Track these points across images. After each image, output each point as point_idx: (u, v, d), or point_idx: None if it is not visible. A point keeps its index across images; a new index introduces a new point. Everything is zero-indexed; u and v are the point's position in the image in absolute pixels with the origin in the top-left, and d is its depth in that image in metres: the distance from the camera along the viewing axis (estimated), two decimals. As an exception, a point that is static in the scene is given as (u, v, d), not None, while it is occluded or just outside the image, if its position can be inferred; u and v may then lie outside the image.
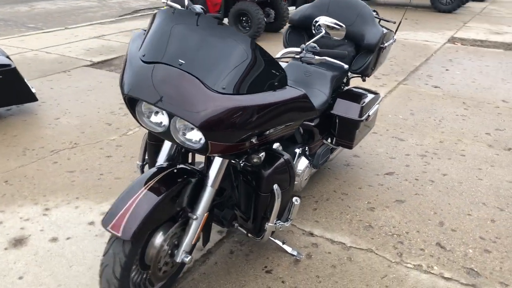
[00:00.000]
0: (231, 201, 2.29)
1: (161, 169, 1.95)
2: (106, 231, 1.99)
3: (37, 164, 3.39)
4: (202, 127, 1.67)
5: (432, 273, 2.39)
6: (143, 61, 1.80)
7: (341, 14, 3.02)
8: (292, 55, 1.97)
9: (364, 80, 3.10)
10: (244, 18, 7.45)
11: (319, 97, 2.66)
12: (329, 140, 3.07)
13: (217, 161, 1.99)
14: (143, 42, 1.88)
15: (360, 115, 2.83)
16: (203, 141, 1.76)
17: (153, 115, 1.86)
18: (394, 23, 3.33)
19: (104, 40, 7.34)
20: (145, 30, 2.05)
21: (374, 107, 3.05)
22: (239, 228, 2.33)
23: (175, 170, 1.95)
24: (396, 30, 3.33)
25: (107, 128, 4.03)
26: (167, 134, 1.83)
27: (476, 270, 2.42)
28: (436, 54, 6.94)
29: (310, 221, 2.78)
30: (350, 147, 3.06)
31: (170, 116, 1.78)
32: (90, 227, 2.70)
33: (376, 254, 2.53)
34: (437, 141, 3.94)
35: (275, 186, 2.08)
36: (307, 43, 2.02)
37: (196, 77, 1.69)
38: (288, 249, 2.50)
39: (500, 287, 2.31)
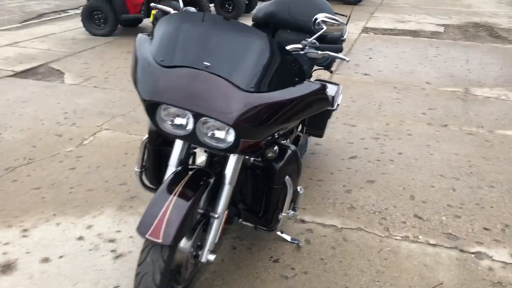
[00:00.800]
0: (233, 197, 2.34)
1: (181, 173, 1.95)
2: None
3: (-5, 184, 3.15)
4: (235, 126, 1.71)
5: (420, 242, 2.64)
6: (162, 65, 1.79)
7: (303, 11, 3.16)
8: (297, 51, 2.06)
9: (331, 72, 3.28)
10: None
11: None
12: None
13: (233, 160, 2.03)
14: (156, 46, 1.86)
15: (333, 105, 3.01)
16: (232, 140, 1.79)
17: (176, 119, 1.85)
18: (346, 16, 3.54)
19: (19, 47, 6.84)
20: (149, 35, 2.03)
21: (340, 97, 3.24)
22: (244, 223, 2.39)
23: (195, 173, 1.96)
24: (347, 23, 3.55)
25: (59, 140, 3.83)
26: (191, 136, 1.84)
27: (454, 234, 2.71)
28: (356, 44, 7.40)
29: (297, 209, 2.91)
30: (321, 136, 3.23)
31: (196, 118, 1.79)
32: (80, 242, 2.59)
33: (366, 231, 2.72)
34: (383, 124, 4.26)
35: (287, 178, 2.17)
36: (309, 40, 2.12)
37: (224, 78, 1.72)
38: (287, 237, 2.61)
39: (477, 246, 2.61)
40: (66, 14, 10.38)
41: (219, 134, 1.82)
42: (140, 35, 2.05)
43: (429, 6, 11.34)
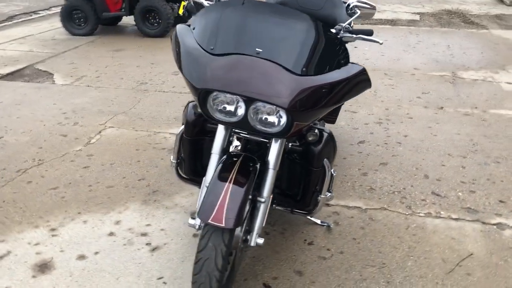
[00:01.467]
0: None
1: (229, 160, 1.97)
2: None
3: (9, 187, 3.08)
4: (289, 109, 1.76)
5: (442, 217, 2.75)
6: (213, 54, 1.82)
7: (311, 0, 3.21)
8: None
9: None
10: (152, 15, 7.29)
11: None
12: None
13: (276, 145, 2.06)
14: (203, 35, 1.88)
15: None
16: (283, 124, 1.83)
17: (227, 106, 1.88)
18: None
19: (-1, 50, 6.65)
20: (189, 25, 2.05)
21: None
22: (278, 208, 2.43)
23: (243, 159, 1.99)
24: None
25: (65, 140, 3.77)
26: (242, 123, 1.87)
27: (473, 208, 2.84)
28: (338, 34, 7.51)
29: (320, 194, 2.98)
30: (334, 122, 3.31)
31: (248, 104, 1.82)
32: (113, 237, 2.58)
33: (390, 210, 2.81)
34: (383, 109, 4.38)
35: (325, 160, 2.23)
36: (343, 24, 2.18)
37: (276, 63, 1.76)
38: (317, 221, 2.67)
39: (497, 217, 2.74)
40: (38, 15, 10.10)
41: (271, 118, 1.85)
42: (180, 25, 2.07)
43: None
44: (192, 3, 2.33)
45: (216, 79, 1.78)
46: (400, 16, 9.02)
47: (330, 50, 1.88)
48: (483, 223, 2.69)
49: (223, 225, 1.76)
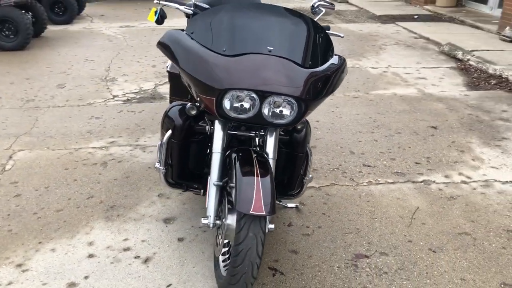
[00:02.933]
0: None
1: (242, 155, 2.07)
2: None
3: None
4: (304, 100, 1.95)
5: (382, 183, 3.20)
6: (226, 55, 1.90)
7: None
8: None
9: None
10: (6, 26, 6.58)
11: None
12: None
13: (272, 136, 2.22)
14: (210, 38, 1.94)
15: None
16: (295, 114, 2.00)
17: (243, 103, 1.97)
18: None
19: None
20: (183, 30, 2.08)
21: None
22: None
23: (253, 153, 2.12)
24: None
25: (-28, 171, 3.33)
26: (256, 118, 1.99)
27: (400, 171, 3.35)
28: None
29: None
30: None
31: (262, 99, 1.95)
32: (95, 259, 2.44)
33: (339, 185, 3.17)
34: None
35: (307, 145, 2.46)
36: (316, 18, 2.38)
37: (287, 59, 1.93)
38: (288, 204, 2.89)
39: (420, 176, 3.30)
40: None
41: (285, 111, 2.00)
42: (171, 31, 2.08)
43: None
44: (162, 8, 2.32)
45: (238, 78, 1.87)
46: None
47: (324, 43, 2.11)
48: (413, 182, 3.22)
49: (263, 213, 1.86)
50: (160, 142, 2.60)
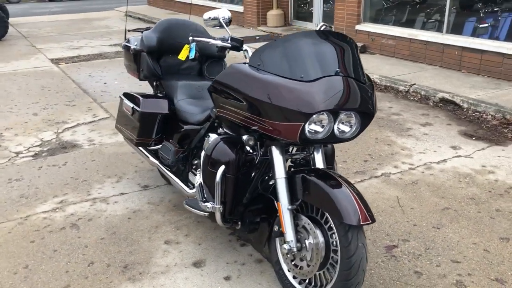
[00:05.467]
0: None
1: (312, 173, 2.17)
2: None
3: None
4: (372, 114, 2.14)
5: (354, 183, 3.53)
6: (305, 81, 1.98)
7: (182, 34, 3.36)
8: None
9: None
10: None
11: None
12: None
13: (318, 153, 2.35)
14: (286, 67, 2.00)
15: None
16: (358, 128, 2.17)
17: (321, 124, 2.06)
18: None
19: None
20: (245, 63, 2.09)
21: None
22: None
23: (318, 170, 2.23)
24: None
25: None
26: (329, 135, 2.10)
27: (359, 171, 3.74)
28: (71, 74, 7.15)
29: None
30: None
31: (335, 117, 2.08)
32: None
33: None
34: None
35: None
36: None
37: (352, 78, 2.09)
38: None
39: (375, 171, 3.73)
40: None
41: (345, 127, 2.14)
42: (237, 65, 2.08)
43: (76, 32, 11.49)
44: (195, 43, 2.23)
45: (325, 100, 1.96)
46: (104, 50, 9.15)
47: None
48: (376, 177, 3.63)
49: (370, 221, 1.99)
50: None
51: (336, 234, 2.06)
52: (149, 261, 2.67)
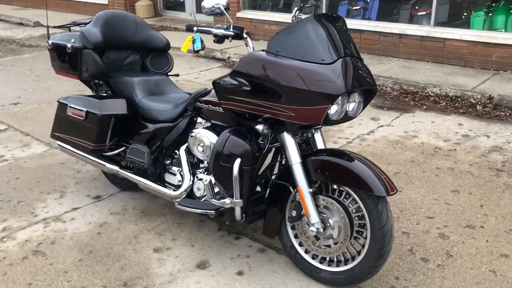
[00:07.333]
0: None
1: (323, 153, 2.25)
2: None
3: None
4: (376, 90, 2.27)
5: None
6: (326, 63, 2.01)
7: (124, 27, 3.12)
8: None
9: (178, 76, 3.39)
10: None
11: (182, 95, 2.94)
12: None
13: (318, 133, 2.43)
14: (306, 52, 2.00)
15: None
16: (362, 105, 2.27)
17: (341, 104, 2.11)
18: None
19: None
20: (263, 50, 2.05)
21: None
22: None
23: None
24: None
25: None
26: (344, 115, 2.17)
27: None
28: None
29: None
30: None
31: (348, 97, 2.15)
32: None
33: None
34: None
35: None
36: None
37: (357, 57, 2.18)
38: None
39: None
40: None
41: (357, 104, 2.24)
42: (256, 53, 2.03)
43: None
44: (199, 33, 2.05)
45: (347, 81, 2.02)
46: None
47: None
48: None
49: (395, 191, 2.12)
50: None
51: (363, 207, 2.16)
52: (148, 273, 2.47)
